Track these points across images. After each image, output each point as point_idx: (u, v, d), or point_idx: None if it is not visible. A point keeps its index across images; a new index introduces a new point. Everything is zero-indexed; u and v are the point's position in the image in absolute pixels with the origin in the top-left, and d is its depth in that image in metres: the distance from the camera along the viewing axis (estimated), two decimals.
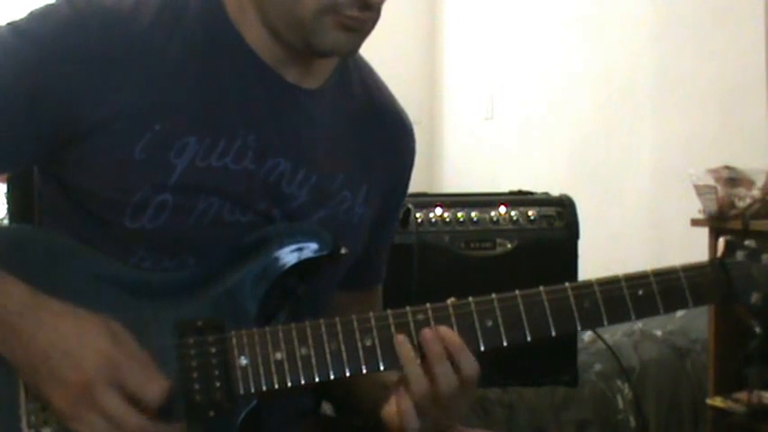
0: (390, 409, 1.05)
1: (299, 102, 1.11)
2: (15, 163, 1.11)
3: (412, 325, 1.01)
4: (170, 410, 0.96)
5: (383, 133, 1.21)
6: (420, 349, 1.00)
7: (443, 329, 1.00)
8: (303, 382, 0.99)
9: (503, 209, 2.12)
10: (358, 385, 1.15)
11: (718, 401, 2.20)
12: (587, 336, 2.37)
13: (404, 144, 1.25)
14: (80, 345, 0.94)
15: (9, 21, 1.05)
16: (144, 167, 1.03)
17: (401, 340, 1.00)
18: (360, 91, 1.19)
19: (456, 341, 1.00)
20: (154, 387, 0.94)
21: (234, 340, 0.99)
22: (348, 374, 1.00)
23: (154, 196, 1.04)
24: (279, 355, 0.99)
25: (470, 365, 1.00)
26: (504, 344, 1.02)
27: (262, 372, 0.99)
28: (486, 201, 2.16)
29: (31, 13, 1.05)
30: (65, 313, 0.96)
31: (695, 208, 2.24)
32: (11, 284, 0.97)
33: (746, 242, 1.06)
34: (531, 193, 2.27)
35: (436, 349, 0.99)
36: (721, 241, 1.07)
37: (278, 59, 1.09)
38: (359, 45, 1.08)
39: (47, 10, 1.05)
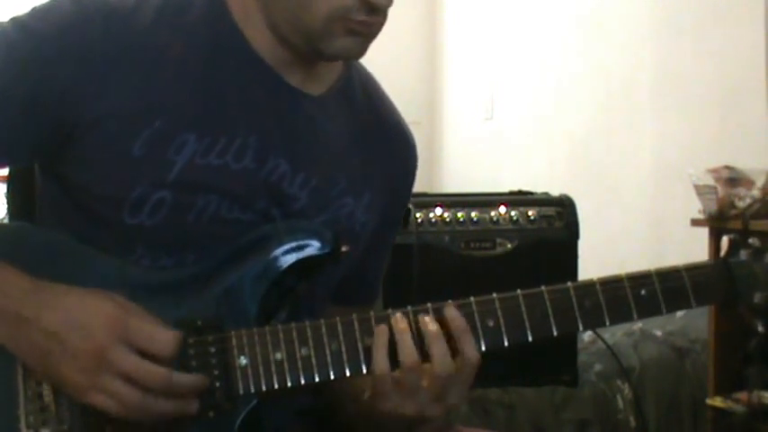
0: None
1: (300, 106, 1.11)
2: (16, 158, 1.11)
3: (413, 325, 1.01)
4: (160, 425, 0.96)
5: (385, 146, 1.20)
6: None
7: (452, 312, 1.00)
8: (303, 382, 0.99)
9: (503, 209, 2.12)
10: (335, 400, 1.15)
11: (718, 401, 2.19)
12: (587, 336, 2.37)
13: (406, 159, 1.25)
14: (86, 315, 0.94)
15: (12, 16, 1.05)
16: (143, 164, 1.03)
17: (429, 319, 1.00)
18: (363, 102, 1.19)
19: (461, 323, 1.00)
20: (165, 337, 0.95)
21: (234, 340, 0.99)
22: (348, 374, 0.99)
23: (152, 192, 1.03)
24: (279, 355, 0.99)
25: (471, 351, 1.00)
26: (506, 344, 1.01)
27: (261, 372, 0.98)
28: (486, 201, 2.16)
29: (34, 9, 1.05)
30: (65, 291, 0.97)
31: (695, 208, 2.23)
32: (10, 273, 0.98)
33: (750, 240, 1.05)
34: (531, 193, 2.27)
35: (433, 329, 0.99)
36: (725, 240, 1.07)
37: (281, 63, 1.09)
38: (365, 49, 1.08)
39: (50, 6, 1.05)
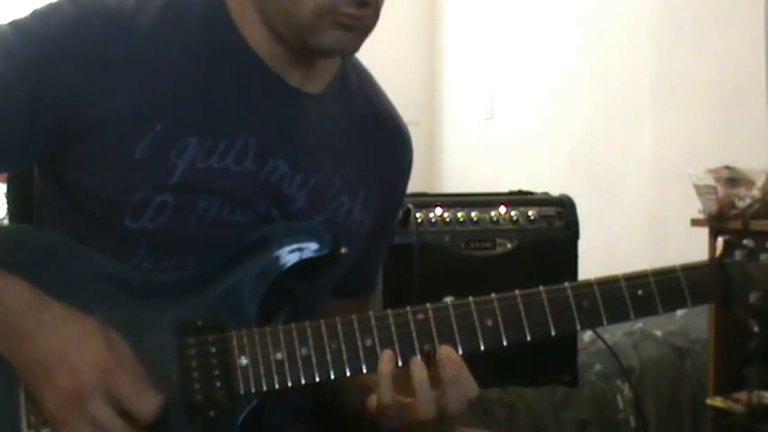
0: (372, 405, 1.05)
1: (299, 105, 1.12)
2: (17, 162, 1.11)
3: (412, 325, 1.01)
4: (161, 424, 0.96)
5: (382, 141, 1.21)
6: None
7: (445, 349, 1.00)
8: (303, 381, 0.99)
9: (503, 209, 2.12)
10: (341, 388, 1.15)
11: (718, 401, 2.19)
12: (587, 336, 2.37)
13: (402, 154, 1.25)
14: (78, 351, 0.94)
15: (12, 19, 1.05)
16: (145, 167, 1.03)
17: (415, 362, 1.00)
18: (360, 98, 1.19)
19: (456, 359, 1.00)
20: (147, 402, 0.95)
21: (234, 340, 0.99)
22: (348, 374, 1.00)
23: (154, 196, 1.04)
24: (279, 355, 0.99)
25: (471, 386, 1.00)
26: (504, 343, 1.02)
27: (262, 372, 0.99)
28: (486, 201, 2.16)
29: (34, 12, 1.05)
30: (66, 317, 0.96)
31: (695, 208, 2.24)
32: (13, 284, 0.97)
33: (745, 241, 1.06)
34: (531, 193, 2.27)
35: (451, 370, 0.99)
36: (720, 241, 1.07)
37: (280, 62, 1.09)
38: (359, 44, 1.08)
39: (50, 9, 1.05)
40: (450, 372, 0.99)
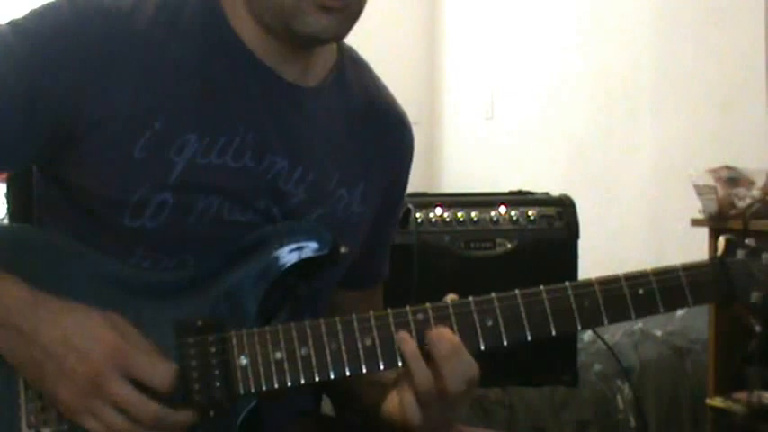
0: (391, 403, 1.04)
1: (297, 100, 1.12)
2: (15, 161, 1.11)
3: (412, 324, 1.01)
4: (178, 399, 0.96)
5: (382, 132, 1.21)
6: (424, 349, 1.00)
7: (443, 330, 1.00)
8: (303, 381, 0.99)
9: (503, 209, 2.11)
10: (355, 386, 1.15)
11: (718, 401, 2.20)
12: (587, 336, 2.37)
13: (402, 142, 1.25)
14: (84, 337, 0.94)
15: (9, 19, 1.05)
16: (144, 166, 1.03)
17: (403, 336, 1.00)
18: (358, 90, 1.19)
19: (455, 341, 1.00)
20: (162, 372, 0.95)
21: (234, 340, 0.99)
22: (348, 374, 1.00)
23: (154, 195, 1.04)
24: (279, 355, 0.99)
25: (470, 366, 1.00)
26: (505, 343, 1.02)
27: (262, 371, 0.99)
28: (486, 201, 2.16)
29: (31, 12, 1.05)
30: (64, 310, 0.96)
31: (695, 208, 2.24)
32: (10, 284, 0.97)
33: (746, 241, 1.06)
34: (531, 193, 2.27)
35: (444, 348, 0.99)
36: (721, 240, 1.07)
37: (275, 58, 1.10)
38: (344, 29, 1.07)
39: (47, 8, 1.05)
40: (443, 349, 0.99)
